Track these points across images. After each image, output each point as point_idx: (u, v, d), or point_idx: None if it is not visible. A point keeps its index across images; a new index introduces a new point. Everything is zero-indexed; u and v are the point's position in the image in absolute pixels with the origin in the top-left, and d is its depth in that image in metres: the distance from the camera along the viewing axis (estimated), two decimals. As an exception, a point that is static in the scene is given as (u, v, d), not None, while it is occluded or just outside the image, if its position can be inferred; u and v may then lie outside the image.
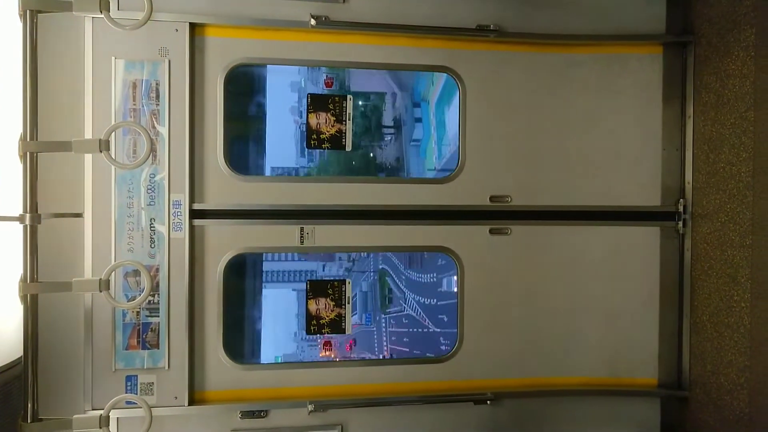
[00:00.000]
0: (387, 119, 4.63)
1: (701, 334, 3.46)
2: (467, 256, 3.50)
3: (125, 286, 3.10)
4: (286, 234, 3.33)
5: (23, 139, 2.75)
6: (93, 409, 3.04)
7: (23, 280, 2.76)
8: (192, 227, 3.19)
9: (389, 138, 4.61)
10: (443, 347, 3.60)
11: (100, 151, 2.75)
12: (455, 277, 3.43)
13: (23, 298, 2.76)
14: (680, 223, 3.57)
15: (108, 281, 2.80)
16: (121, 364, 3.11)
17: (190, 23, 3.14)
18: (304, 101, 3.40)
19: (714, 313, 3.36)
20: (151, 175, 3.12)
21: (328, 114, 3.40)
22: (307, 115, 3.39)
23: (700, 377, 3.47)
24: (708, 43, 3.43)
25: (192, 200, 3.19)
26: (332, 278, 3.47)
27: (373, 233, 3.41)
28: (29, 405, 2.80)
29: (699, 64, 3.50)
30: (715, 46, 3.37)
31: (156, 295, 3.13)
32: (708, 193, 3.42)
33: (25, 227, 2.75)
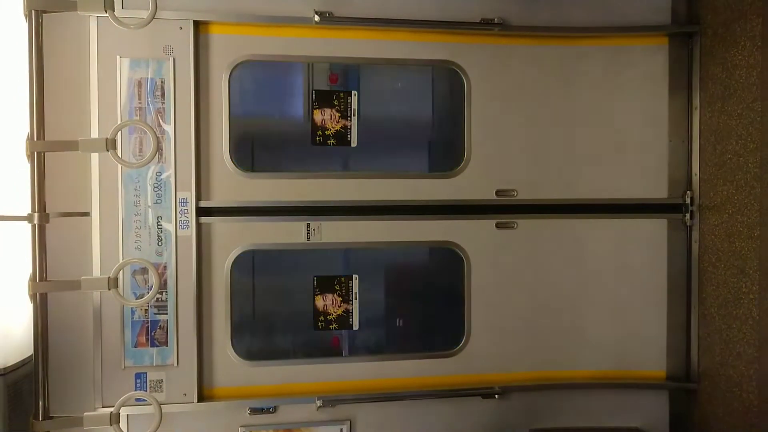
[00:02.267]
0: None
1: (710, 326, 3.45)
2: (474, 250, 3.49)
3: (133, 284, 3.12)
4: (293, 230, 3.33)
5: (30, 139, 2.77)
6: (103, 407, 3.06)
7: (32, 279, 2.78)
8: (199, 225, 3.20)
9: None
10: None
11: (107, 150, 2.76)
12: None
13: (32, 297, 2.78)
14: (687, 215, 3.55)
15: (116, 279, 2.82)
16: (130, 362, 3.13)
17: (194, 21, 3.14)
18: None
19: (722, 305, 3.35)
20: (158, 174, 3.13)
21: (333, 110, 3.40)
22: (312, 111, 3.39)
23: (709, 369, 3.46)
24: (714, 33, 3.40)
25: (198, 198, 3.19)
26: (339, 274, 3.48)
27: (379, 228, 3.41)
28: (40, 403, 2.83)
29: (705, 54, 3.48)
30: (721, 37, 3.35)
31: (164, 293, 3.14)
32: (715, 184, 3.41)
33: (33, 226, 2.77)
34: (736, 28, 3.24)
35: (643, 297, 3.61)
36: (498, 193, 3.50)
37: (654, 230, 3.61)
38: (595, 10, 3.50)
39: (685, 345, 3.60)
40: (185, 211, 3.16)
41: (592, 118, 3.56)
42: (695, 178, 3.54)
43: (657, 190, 3.60)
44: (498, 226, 3.51)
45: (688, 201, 3.55)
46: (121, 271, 2.93)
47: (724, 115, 3.33)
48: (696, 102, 3.53)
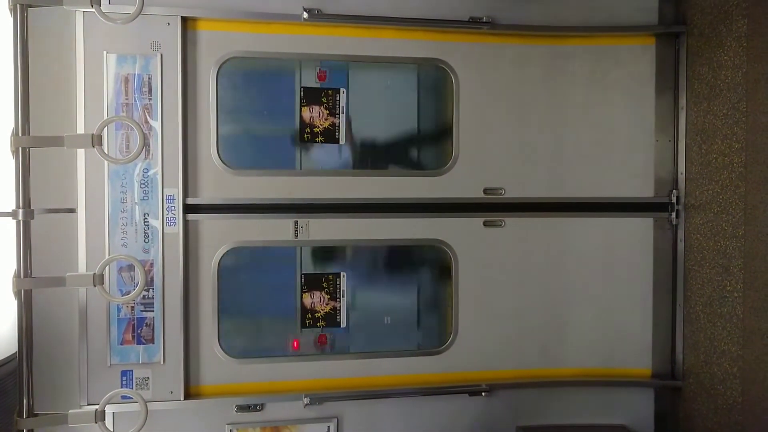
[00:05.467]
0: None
1: (694, 325, 3.48)
2: (461, 248, 3.50)
3: (119, 281, 3.10)
4: (281, 228, 3.33)
5: (15, 134, 2.74)
6: (89, 404, 3.05)
7: (17, 275, 2.75)
8: (186, 222, 3.19)
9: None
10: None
11: (93, 146, 2.75)
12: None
13: (17, 294, 2.76)
14: (673, 214, 3.58)
15: (102, 276, 2.80)
16: (116, 359, 3.12)
17: (182, 17, 3.12)
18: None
19: (707, 303, 3.38)
20: (145, 170, 3.11)
21: (321, 107, 3.40)
22: (300, 109, 3.39)
23: (694, 367, 3.49)
24: (700, 33, 3.43)
25: (186, 195, 3.18)
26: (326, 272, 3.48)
27: (367, 226, 3.41)
28: (24, 400, 2.80)
29: (691, 55, 3.50)
30: (707, 37, 3.38)
31: (150, 290, 3.13)
32: (701, 183, 3.44)
33: (18, 223, 2.74)
34: (722, 29, 3.27)
35: (629, 295, 3.64)
36: (486, 191, 3.51)
37: (640, 229, 3.63)
38: (583, 9, 3.52)
39: (670, 343, 3.63)
40: (172, 207, 3.15)
41: (580, 117, 3.58)
42: (681, 178, 3.57)
43: (643, 189, 3.62)
44: (485, 224, 3.52)
45: (674, 200, 3.57)
46: (107, 268, 2.91)
47: (710, 115, 3.36)
48: (682, 102, 3.56)
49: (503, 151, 3.52)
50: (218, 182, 3.25)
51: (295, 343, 3.47)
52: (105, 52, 3.06)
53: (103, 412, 2.82)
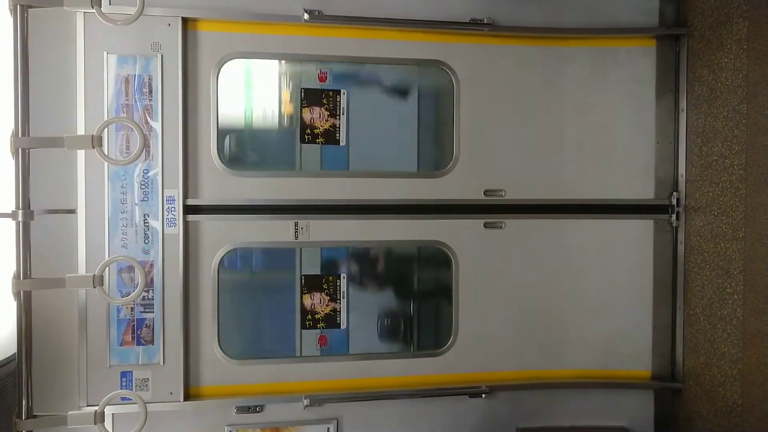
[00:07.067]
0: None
1: (695, 327, 3.48)
2: (461, 249, 3.50)
3: (119, 282, 3.09)
4: (281, 229, 3.32)
5: (15, 135, 2.73)
6: (88, 405, 3.04)
7: (16, 276, 2.74)
8: (186, 223, 3.18)
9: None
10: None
11: (93, 148, 2.74)
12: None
13: (16, 295, 2.75)
14: (673, 216, 3.58)
15: (102, 277, 2.79)
16: (115, 360, 3.11)
17: (182, 18, 3.12)
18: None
19: (707, 305, 3.38)
20: (145, 171, 3.11)
21: (322, 108, 3.40)
22: (301, 110, 3.38)
23: (694, 369, 3.49)
24: (701, 35, 3.43)
25: (186, 196, 3.18)
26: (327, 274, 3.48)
27: (367, 228, 3.41)
28: (23, 402, 2.79)
29: (692, 57, 3.50)
30: (708, 39, 3.38)
31: (150, 291, 3.12)
32: (701, 185, 3.44)
33: (17, 224, 2.73)
34: (723, 31, 3.27)
35: (629, 297, 3.63)
36: (486, 193, 3.50)
37: (640, 231, 3.63)
38: (584, 11, 3.52)
39: (670, 345, 3.63)
40: (172, 208, 3.14)
41: (580, 119, 3.58)
42: (681, 180, 3.57)
43: (643, 191, 3.62)
44: (486, 226, 3.52)
45: (674, 202, 3.57)
46: (107, 269, 2.90)
47: (710, 117, 3.36)
48: (683, 104, 3.55)
49: (504, 153, 3.52)
50: (218, 183, 3.24)
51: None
52: (105, 53, 3.05)
53: (103, 413, 2.81)
